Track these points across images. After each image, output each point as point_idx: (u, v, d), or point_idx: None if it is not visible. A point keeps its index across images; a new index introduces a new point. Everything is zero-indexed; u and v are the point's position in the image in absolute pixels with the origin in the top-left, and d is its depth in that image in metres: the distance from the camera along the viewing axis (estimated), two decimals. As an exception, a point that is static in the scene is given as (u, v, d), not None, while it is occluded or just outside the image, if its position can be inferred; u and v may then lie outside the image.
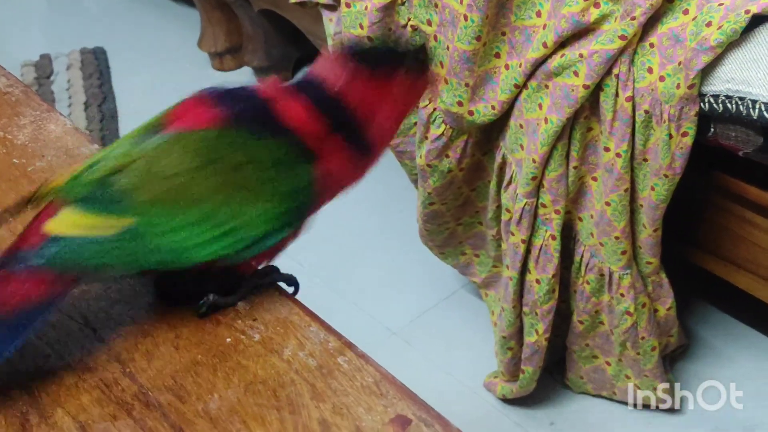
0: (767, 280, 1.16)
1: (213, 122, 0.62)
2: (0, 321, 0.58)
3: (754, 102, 0.98)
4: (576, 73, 1.08)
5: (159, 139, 0.61)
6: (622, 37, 1.05)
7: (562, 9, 1.08)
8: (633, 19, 1.04)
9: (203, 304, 0.64)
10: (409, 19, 1.21)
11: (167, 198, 0.60)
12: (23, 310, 0.58)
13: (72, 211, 0.59)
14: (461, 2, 1.11)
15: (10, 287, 0.58)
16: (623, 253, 1.16)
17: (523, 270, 1.22)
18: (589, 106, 1.11)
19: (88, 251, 0.59)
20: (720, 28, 0.99)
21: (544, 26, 1.11)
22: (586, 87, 1.08)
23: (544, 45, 1.10)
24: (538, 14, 1.12)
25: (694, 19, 1.02)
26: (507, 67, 1.15)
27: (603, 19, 1.07)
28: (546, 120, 1.12)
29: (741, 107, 1.00)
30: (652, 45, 1.06)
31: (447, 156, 1.24)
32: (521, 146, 1.17)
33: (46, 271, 0.58)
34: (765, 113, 0.97)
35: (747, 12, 0.97)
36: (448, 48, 1.15)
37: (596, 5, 1.07)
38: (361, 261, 1.62)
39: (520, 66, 1.13)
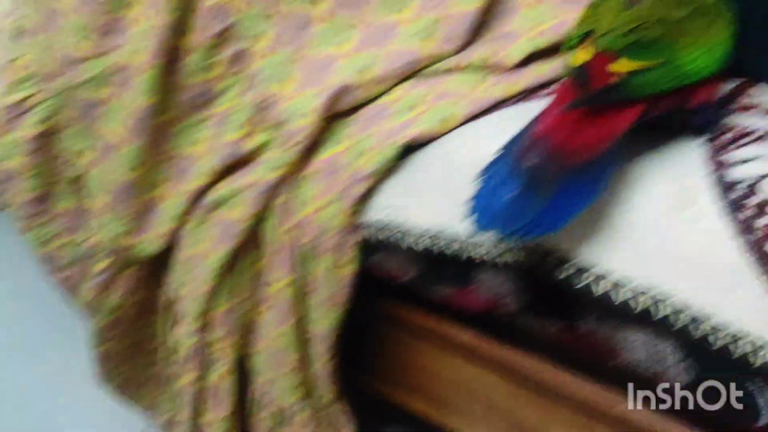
0: (440, 403, 1.15)
1: None
2: (588, 164, 0.75)
3: (409, 231, 0.99)
4: (237, 205, 1.05)
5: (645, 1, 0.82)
6: (278, 168, 1.03)
7: (220, 137, 1.05)
8: (290, 148, 1.02)
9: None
10: (65, 150, 1.14)
11: (677, 38, 0.80)
12: (607, 148, 0.76)
13: (623, 59, 0.78)
14: (119, 130, 1.06)
15: (594, 127, 0.76)
16: (298, 386, 1.12)
17: (198, 411, 1.15)
18: (253, 238, 1.08)
19: (647, 79, 0.77)
20: (373, 157, 0.99)
21: (205, 154, 1.08)
22: (247, 219, 1.05)
23: (204, 174, 1.06)
24: (199, 142, 1.09)
25: (349, 148, 1.03)
26: (169, 196, 1.10)
27: (261, 148, 1.05)
28: (210, 254, 1.07)
29: (397, 236, 1.00)
30: (310, 175, 1.05)
31: (113, 292, 1.16)
32: (187, 281, 1.11)
33: (626, 102, 0.77)
34: (419, 242, 0.98)
35: (397, 141, 0.98)
36: (107, 178, 1.09)
37: (254, 134, 1.05)
38: (35, 406, 1.48)
39: (182, 195, 1.09)
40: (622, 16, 0.83)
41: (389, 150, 0.99)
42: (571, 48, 0.85)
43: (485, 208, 0.76)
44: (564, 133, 0.78)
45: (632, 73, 0.78)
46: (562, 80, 0.86)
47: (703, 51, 0.82)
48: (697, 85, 0.83)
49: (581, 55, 0.82)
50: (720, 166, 0.84)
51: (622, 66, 0.79)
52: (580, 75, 0.80)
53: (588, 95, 0.78)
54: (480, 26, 1.06)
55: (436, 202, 0.97)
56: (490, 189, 0.77)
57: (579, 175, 0.76)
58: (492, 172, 0.79)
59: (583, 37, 0.84)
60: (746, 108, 0.94)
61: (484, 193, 0.77)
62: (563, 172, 0.75)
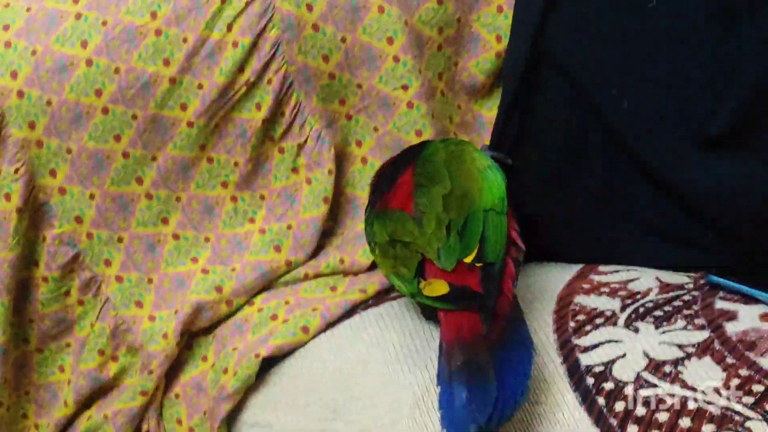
0: None
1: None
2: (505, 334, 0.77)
3: (279, 445, 0.96)
4: (106, 434, 1.01)
5: (421, 194, 0.88)
6: (142, 393, 0.99)
7: (80, 365, 1.02)
8: (151, 372, 0.99)
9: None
10: None
11: (470, 196, 0.87)
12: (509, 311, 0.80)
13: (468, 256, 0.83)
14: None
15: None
16: None
17: None
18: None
19: (490, 237, 0.84)
20: (235, 374, 0.96)
21: (69, 382, 1.04)
22: (118, 447, 1.00)
23: (65, 404, 1.02)
24: (62, 369, 1.05)
25: (212, 366, 1.00)
26: (37, 427, 1.06)
27: (123, 373, 1.02)
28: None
29: (269, 452, 0.97)
30: (177, 396, 1.01)
31: None
32: None
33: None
34: (290, 457, 0.95)
35: (257, 356, 0.96)
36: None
37: (114, 359, 1.02)
38: None
39: (50, 426, 1.04)
40: (427, 229, 0.85)
41: (249, 365, 0.96)
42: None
43: (451, 425, 0.73)
44: (466, 325, 0.78)
45: (481, 248, 0.82)
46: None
47: (483, 184, 0.88)
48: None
49: (438, 287, 0.82)
50: (572, 352, 0.83)
51: (473, 255, 0.82)
52: (462, 292, 0.81)
53: (485, 297, 0.80)
54: (329, 229, 1.06)
55: (301, 414, 0.94)
56: (446, 412, 0.74)
57: (504, 347, 0.76)
58: (440, 401, 0.75)
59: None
60: (595, 288, 0.94)
61: (446, 417, 0.74)
62: (491, 351, 0.75)
